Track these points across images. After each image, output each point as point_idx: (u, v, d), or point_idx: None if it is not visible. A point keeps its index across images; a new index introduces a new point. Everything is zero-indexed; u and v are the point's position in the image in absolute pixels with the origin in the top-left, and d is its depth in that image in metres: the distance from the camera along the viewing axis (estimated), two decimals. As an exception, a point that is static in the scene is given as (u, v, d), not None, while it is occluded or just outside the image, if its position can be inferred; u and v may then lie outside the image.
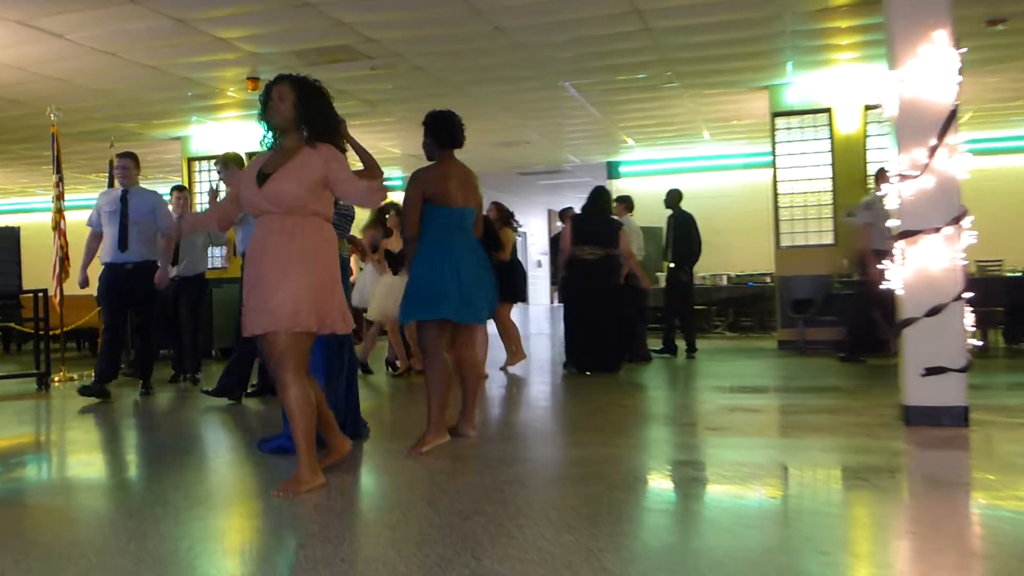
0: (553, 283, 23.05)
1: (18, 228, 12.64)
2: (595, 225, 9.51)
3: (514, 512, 3.67)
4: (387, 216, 9.67)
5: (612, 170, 17.79)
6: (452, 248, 5.20)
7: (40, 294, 9.31)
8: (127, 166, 8.32)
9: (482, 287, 5.31)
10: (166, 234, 8.21)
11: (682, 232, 11.22)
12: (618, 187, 17.72)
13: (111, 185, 10.77)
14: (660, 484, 4.45)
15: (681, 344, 11.29)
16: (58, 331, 10.23)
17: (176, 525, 3.69)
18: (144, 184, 8.94)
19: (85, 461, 5.54)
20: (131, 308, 8.29)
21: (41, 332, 9.45)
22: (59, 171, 10.08)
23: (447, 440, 5.22)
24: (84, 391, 7.91)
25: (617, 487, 4.12)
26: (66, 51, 9.29)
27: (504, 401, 7.85)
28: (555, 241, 12.34)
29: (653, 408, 7.23)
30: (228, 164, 7.63)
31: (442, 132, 5.43)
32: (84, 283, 8.34)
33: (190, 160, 14.11)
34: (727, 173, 17.01)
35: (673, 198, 11.42)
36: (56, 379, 9.56)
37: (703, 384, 8.53)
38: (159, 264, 8.23)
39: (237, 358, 7.48)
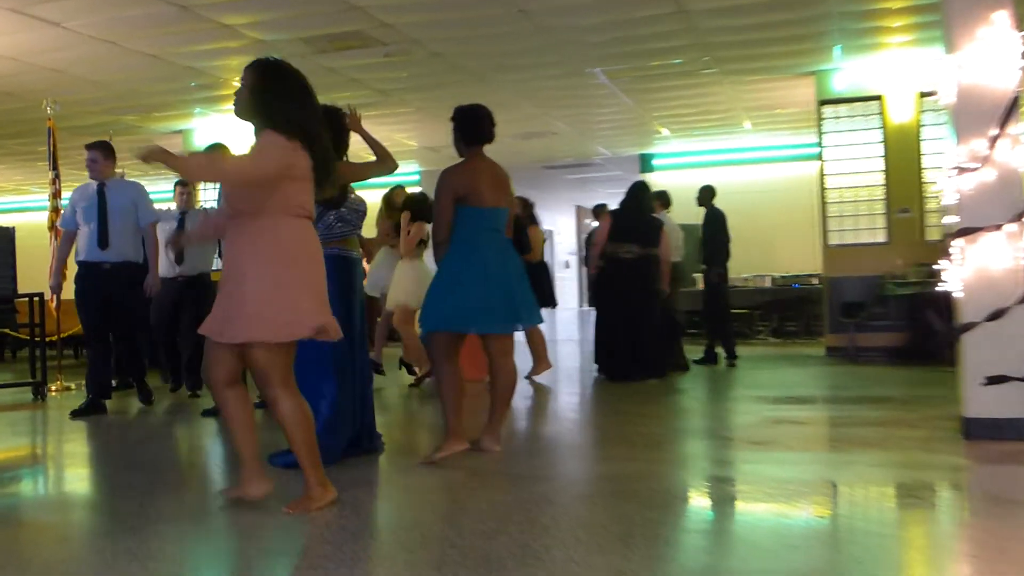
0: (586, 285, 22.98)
1: (12, 228, 12.80)
2: (635, 222, 9.56)
3: (540, 532, 3.68)
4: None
5: (645, 163, 17.76)
6: (482, 252, 5.25)
7: (36, 298, 9.39)
8: (95, 158, 7.93)
9: (516, 292, 5.34)
10: (145, 228, 7.92)
11: (711, 231, 11.21)
12: (651, 181, 17.69)
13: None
14: (698, 502, 4.44)
15: (721, 351, 11.25)
16: (55, 337, 10.31)
17: (180, 544, 3.72)
18: (148, 181, 8.95)
19: (83, 476, 5.59)
20: (110, 316, 7.91)
21: (37, 338, 9.55)
22: (55, 168, 10.19)
23: (466, 447, 5.24)
24: (76, 415, 7.67)
25: (651, 505, 4.11)
26: (62, 40, 9.38)
27: (530, 413, 7.85)
28: (588, 240, 12.33)
29: (690, 420, 7.22)
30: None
31: (470, 127, 5.47)
32: (58, 288, 8.25)
33: (194, 155, 14.20)
34: (770, 166, 16.92)
35: (706, 195, 11.38)
36: (53, 388, 9.65)
37: (744, 394, 8.50)
38: (148, 267, 7.96)
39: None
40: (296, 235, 4.12)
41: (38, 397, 9.14)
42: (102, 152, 7.97)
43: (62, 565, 3.50)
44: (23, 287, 10.96)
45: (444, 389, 5.28)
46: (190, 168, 4.71)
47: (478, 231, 5.29)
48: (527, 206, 10.18)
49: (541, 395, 8.76)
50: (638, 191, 9.85)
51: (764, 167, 16.95)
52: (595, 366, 9.93)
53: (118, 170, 8.59)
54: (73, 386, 9.94)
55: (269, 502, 4.47)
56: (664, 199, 11.18)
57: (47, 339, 9.79)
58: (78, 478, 5.58)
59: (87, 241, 7.77)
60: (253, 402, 4.16)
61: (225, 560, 3.70)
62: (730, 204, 11.52)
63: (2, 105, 11.88)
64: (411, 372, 9.78)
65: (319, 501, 4.11)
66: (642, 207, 9.73)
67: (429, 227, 8.96)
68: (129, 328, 8.11)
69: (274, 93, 4.23)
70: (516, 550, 3.43)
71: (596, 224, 12.26)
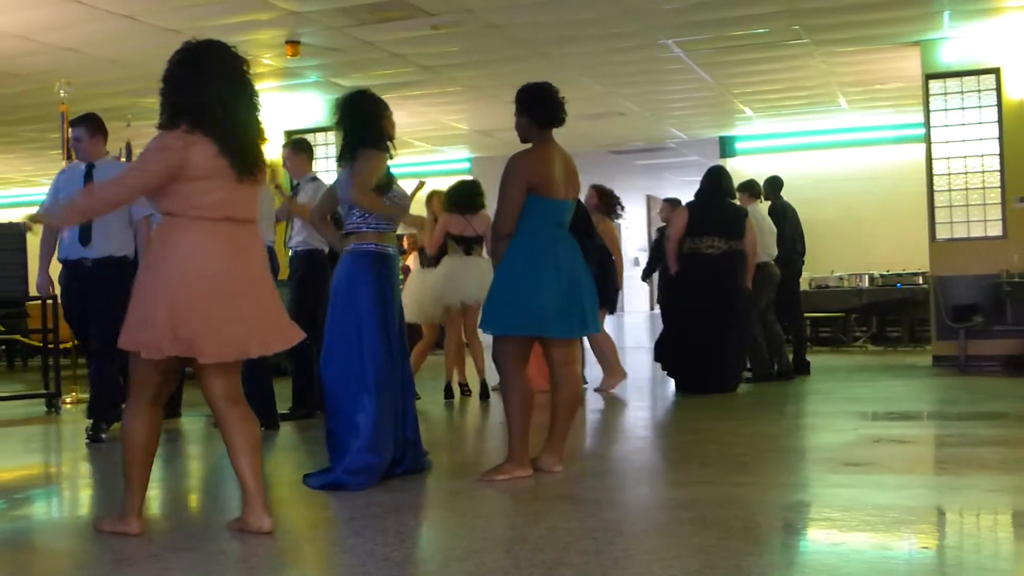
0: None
1: (23, 224, 13.01)
2: (715, 212, 9.49)
3: (609, 564, 3.68)
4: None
5: (726, 147, 17.67)
6: (553, 248, 5.29)
7: (49, 301, 9.37)
8: (79, 136, 7.51)
9: (585, 293, 5.38)
10: (138, 222, 7.38)
11: (776, 226, 11.12)
12: (732, 167, 17.61)
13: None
14: (786, 531, 4.41)
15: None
16: (70, 344, 10.47)
17: (205, 574, 3.78)
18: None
19: (100, 497, 5.70)
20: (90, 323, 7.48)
21: (50, 345, 9.69)
22: (69, 157, 10.33)
23: (529, 474, 5.27)
24: (92, 439, 7.40)
25: (733, 535, 4.10)
26: (76, 15, 9.57)
27: (596, 429, 7.86)
28: (659, 235, 12.27)
29: (777, 438, 7.16)
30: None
31: (541, 108, 5.49)
32: (45, 287, 7.98)
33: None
34: (869, 149, 16.73)
35: (770, 187, 11.30)
36: (68, 400, 9.81)
37: (839, 409, 8.43)
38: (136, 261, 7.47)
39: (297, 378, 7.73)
40: (193, 242, 4.11)
41: (52, 410, 9.31)
42: (87, 128, 7.53)
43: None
44: (34, 289, 11.13)
45: (511, 404, 5.29)
46: (69, 215, 4.72)
47: (547, 226, 5.31)
48: (604, 195, 10.14)
49: (609, 409, 8.77)
50: (716, 176, 9.80)
51: (862, 151, 16.75)
52: (667, 376, 9.97)
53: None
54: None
55: (303, 529, 4.53)
56: (753, 189, 11.00)
57: (61, 346, 9.95)
58: (95, 499, 5.69)
59: (68, 234, 7.44)
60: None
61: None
62: (823, 192, 11.46)
63: (10, 88, 12.14)
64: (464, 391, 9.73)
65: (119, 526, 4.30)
66: (722, 194, 9.65)
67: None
68: (105, 340, 6.88)
69: (174, 81, 4.28)
70: (580, 584, 3.45)
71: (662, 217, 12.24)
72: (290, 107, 13.74)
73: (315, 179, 8.42)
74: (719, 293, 9.31)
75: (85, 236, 7.39)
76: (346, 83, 12.79)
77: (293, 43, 10.78)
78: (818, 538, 4.25)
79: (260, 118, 4.41)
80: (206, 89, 4.18)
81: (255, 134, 4.34)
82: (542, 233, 5.29)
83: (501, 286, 5.33)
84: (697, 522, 4.33)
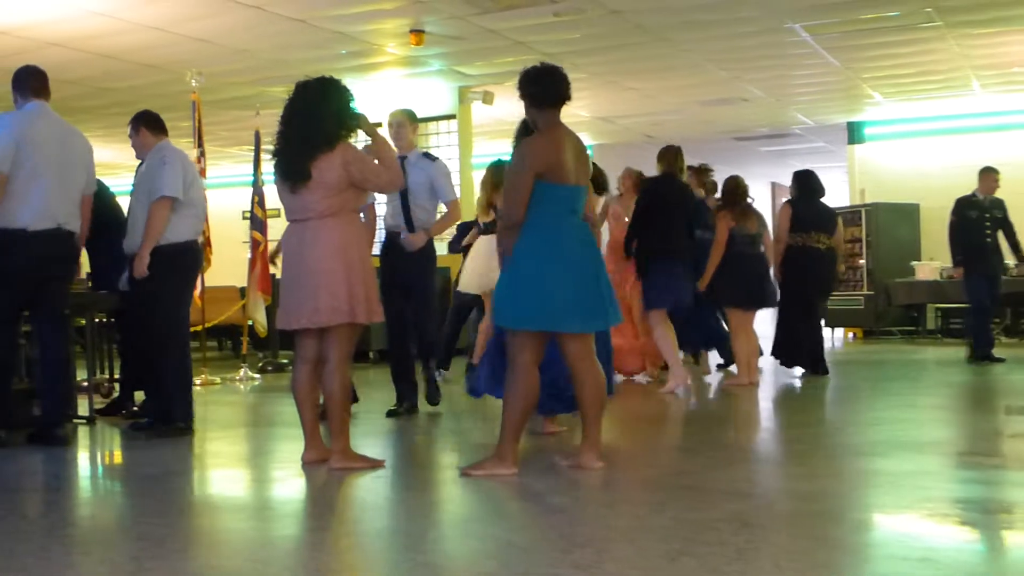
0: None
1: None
2: (819, 209, 9.89)
3: (733, 556, 3.66)
4: None
5: (854, 132, 17.35)
6: (564, 237, 5.10)
7: None
8: (130, 135, 7.31)
9: (602, 283, 5.19)
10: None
11: None
12: (859, 155, 17.28)
13: (256, 161, 11.30)
14: (916, 527, 4.32)
15: None
16: (199, 327, 10.74)
17: None
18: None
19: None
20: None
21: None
22: (200, 145, 10.61)
23: (512, 473, 5.11)
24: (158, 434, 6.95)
25: (862, 529, 4.04)
26: (208, 7, 9.82)
27: (717, 419, 7.82)
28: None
29: (903, 430, 7.00)
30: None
31: (537, 89, 5.22)
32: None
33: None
34: (1003, 135, 16.19)
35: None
36: (198, 382, 10.08)
37: (970, 402, 8.23)
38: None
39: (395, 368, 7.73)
40: None
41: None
42: (131, 127, 7.33)
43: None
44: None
45: (512, 397, 5.11)
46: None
47: (558, 214, 5.11)
48: (701, 172, 10.12)
49: (729, 399, 8.69)
50: (811, 177, 10.09)
51: (995, 136, 16.18)
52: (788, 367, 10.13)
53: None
54: (219, 380, 10.40)
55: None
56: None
57: (192, 329, 10.22)
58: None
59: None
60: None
61: None
62: (953, 180, 11.25)
63: (145, 78, 12.52)
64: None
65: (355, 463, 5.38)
66: (820, 194, 10.00)
67: None
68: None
69: None
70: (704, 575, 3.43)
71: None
72: (413, 95, 13.87)
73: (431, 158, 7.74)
74: (824, 285, 10.03)
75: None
76: (469, 71, 12.90)
77: (417, 32, 10.88)
78: (950, 533, 4.15)
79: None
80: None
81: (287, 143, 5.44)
82: (553, 222, 5.08)
83: (512, 278, 5.13)
84: (823, 515, 4.28)
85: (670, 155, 8.85)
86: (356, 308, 5.33)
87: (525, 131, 5.60)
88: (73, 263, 6.88)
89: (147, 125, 7.24)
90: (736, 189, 9.29)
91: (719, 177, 10.00)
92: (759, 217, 9.36)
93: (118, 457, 6.47)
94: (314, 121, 5.33)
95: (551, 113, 5.21)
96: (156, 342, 6.90)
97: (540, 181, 5.06)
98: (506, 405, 5.15)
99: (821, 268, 9.76)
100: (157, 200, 6.75)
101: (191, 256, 7.02)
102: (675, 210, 8.64)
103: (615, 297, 5.40)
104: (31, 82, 6.65)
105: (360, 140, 5.96)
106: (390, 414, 7.57)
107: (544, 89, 5.21)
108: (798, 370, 10.05)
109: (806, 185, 9.95)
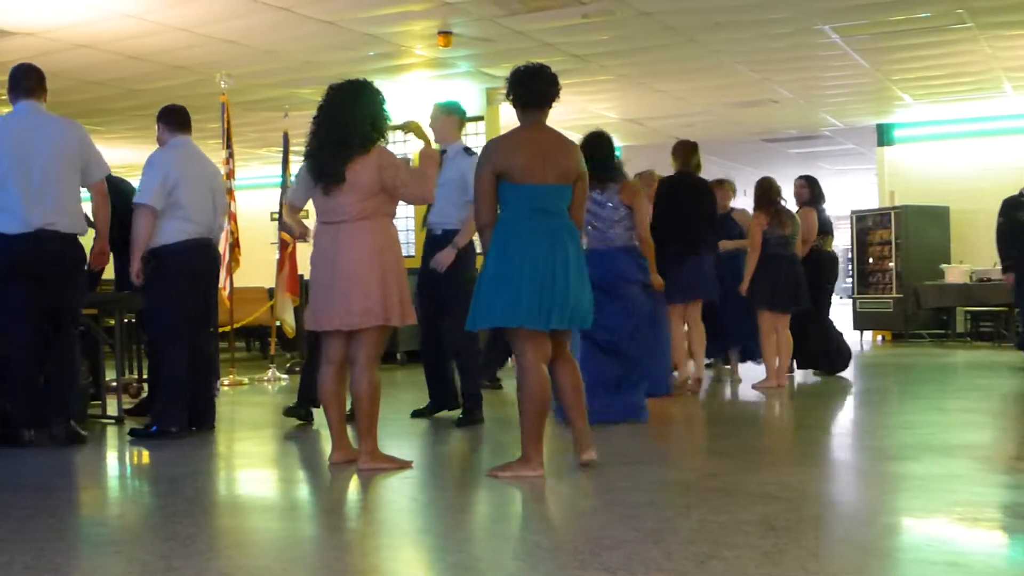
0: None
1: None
2: (824, 216, 10.38)
3: (760, 559, 3.64)
4: None
5: (884, 134, 17.25)
6: (525, 235, 5.06)
7: None
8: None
9: (571, 283, 5.10)
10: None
11: None
12: (888, 157, 17.19)
13: (285, 162, 11.32)
14: (945, 531, 4.29)
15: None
16: (227, 328, 10.80)
17: None
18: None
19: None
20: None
21: (210, 329, 9.99)
22: (229, 146, 10.67)
23: (539, 474, 5.11)
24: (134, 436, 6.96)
25: (890, 532, 4.01)
26: (236, 8, 9.86)
27: (747, 422, 7.79)
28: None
29: (938, 434, 6.96)
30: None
31: (518, 90, 5.29)
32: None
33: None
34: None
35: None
36: (226, 382, 10.14)
37: (1000, 405, 8.17)
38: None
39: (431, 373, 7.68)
40: None
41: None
42: (159, 122, 7.25)
43: (240, 572, 3.69)
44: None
45: (524, 399, 5.09)
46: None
47: (522, 212, 5.11)
48: (721, 185, 10.19)
49: (760, 403, 8.65)
50: (817, 184, 10.45)
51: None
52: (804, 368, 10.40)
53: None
54: (246, 380, 10.45)
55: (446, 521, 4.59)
56: None
57: (219, 329, 10.29)
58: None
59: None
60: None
61: None
62: (985, 183, 11.18)
63: (175, 80, 12.58)
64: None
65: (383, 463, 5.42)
66: (822, 200, 10.40)
67: None
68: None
69: None
70: (732, 578, 3.42)
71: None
72: (441, 97, 13.85)
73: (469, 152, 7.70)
74: (830, 288, 10.56)
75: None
76: (497, 73, 12.90)
77: (445, 34, 10.90)
78: (981, 537, 4.12)
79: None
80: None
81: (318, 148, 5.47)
82: (513, 221, 5.10)
83: (481, 278, 5.18)
84: (852, 518, 4.26)
85: (682, 152, 8.87)
86: (390, 310, 5.34)
87: None
88: (71, 262, 6.52)
89: (163, 120, 7.17)
90: (769, 190, 9.26)
91: (748, 180, 10.00)
92: (793, 219, 9.33)
93: (146, 457, 6.50)
94: (348, 124, 5.34)
95: (533, 114, 5.29)
96: (148, 347, 6.86)
97: (503, 181, 5.13)
98: (520, 408, 5.15)
99: (832, 271, 10.41)
100: (133, 207, 6.72)
101: (183, 258, 6.80)
102: (685, 206, 8.62)
103: (589, 299, 5.27)
104: (24, 82, 6.54)
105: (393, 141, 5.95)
106: (415, 415, 7.59)
107: (528, 90, 5.30)
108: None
109: (818, 190, 10.36)
